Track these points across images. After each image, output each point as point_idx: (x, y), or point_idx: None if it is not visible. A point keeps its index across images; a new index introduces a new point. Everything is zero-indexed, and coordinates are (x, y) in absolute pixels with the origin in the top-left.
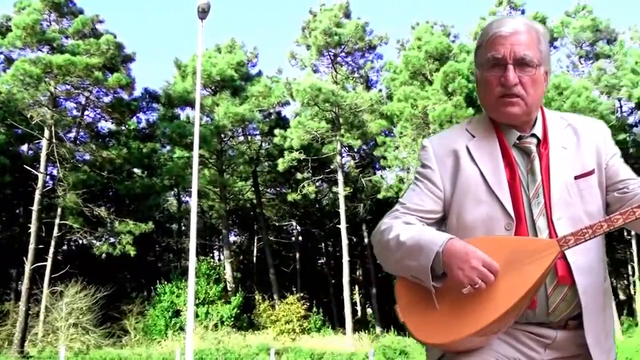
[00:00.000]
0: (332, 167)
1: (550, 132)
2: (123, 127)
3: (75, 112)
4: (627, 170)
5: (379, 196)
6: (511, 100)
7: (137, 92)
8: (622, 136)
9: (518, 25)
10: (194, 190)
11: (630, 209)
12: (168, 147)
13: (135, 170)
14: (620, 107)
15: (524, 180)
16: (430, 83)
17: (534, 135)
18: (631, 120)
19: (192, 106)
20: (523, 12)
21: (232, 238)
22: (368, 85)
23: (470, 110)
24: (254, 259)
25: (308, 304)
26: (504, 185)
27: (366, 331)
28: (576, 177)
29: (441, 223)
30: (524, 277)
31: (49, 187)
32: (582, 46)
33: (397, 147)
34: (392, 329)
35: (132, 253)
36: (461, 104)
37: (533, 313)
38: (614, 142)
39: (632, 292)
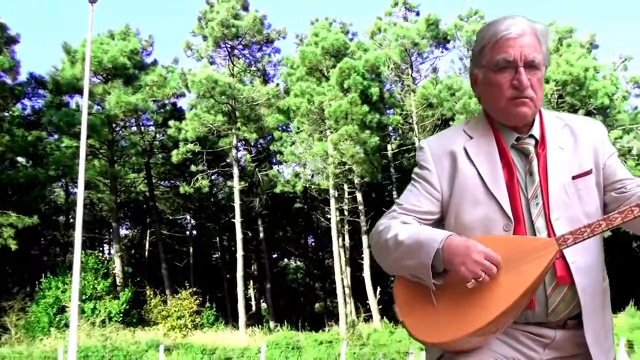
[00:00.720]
0: (227, 160)
1: (548, 133)
2: (6, 113)
3: None
4: (624, 170)
5: (276, 191)
6: (523, 101)
7: (22, 77)
8: None
9: (524, 27)
10: (81, 181)
11: (628, 207)
12: (55, 136)
13: (19, 159)
14: None
15: (522, 181)
16: (327, 79)
17: (531, 136)
18: None
19: (82, 94)
20: (418, 13)
21: (123, 232)
22: (265, 79)
23: (365, 108)
24: (146, 253)
25: (201, 299)
26: (502, 186)
27: (260, 326)
28: (574, 177)
29: (439, 224)
30: (523, 276)
31: None
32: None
33: (293, 143)
34: (285, 323)
35: (14, 247)
36: (356, 101)
37: (532, 313)
38: (611, 142)
39: None
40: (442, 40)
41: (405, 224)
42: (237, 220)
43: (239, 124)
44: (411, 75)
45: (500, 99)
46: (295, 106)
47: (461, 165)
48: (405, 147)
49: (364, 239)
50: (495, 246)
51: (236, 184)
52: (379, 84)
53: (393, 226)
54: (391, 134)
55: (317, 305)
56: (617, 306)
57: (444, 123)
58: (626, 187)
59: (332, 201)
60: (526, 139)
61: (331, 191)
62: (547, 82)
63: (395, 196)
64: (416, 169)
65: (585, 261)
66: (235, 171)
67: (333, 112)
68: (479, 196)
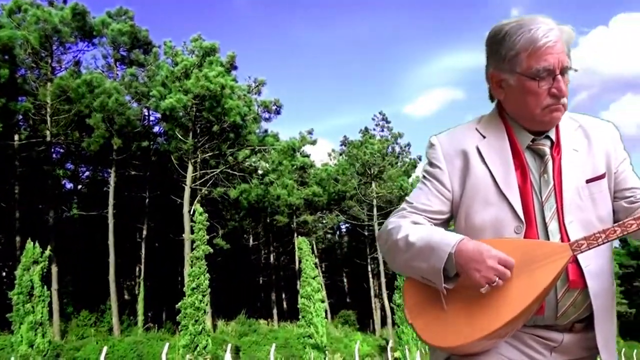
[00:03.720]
0: None
1: (563, 134)
2: None
3: None
4: (635, 178)
5: None
6: (558, 107)
7: None
8: (145, 143)
9: (557, 33)
10: None
11: None
12: None
13: None
14: (148, 115)
15: (535, 183)
16: None
17: (547, 137)
18: (156, 129)
19: None
20: (65, 1)
21: None
22: None
23: None
24: None
25: None
26: (514, 188)
27: None
28: (587, 181)
29: (448, 223)
30: (535, 280)
31: None
32: (119, 50)
33: None
34: None
35: None
36: None
37: (541, 318)
38: (623, 146)
39: None
40: (88, 34)
41: (416, 224)
42: None
43: None
44: (50, 65)
45: (536, 107)
46: None
47: (473, 164)
48: (34, 140)
49: None
50: (508, 249)
51: None
52: (11, 67)
53: (404, 226)
54: (21, 123)
55: None
56: None
57: (81, 120)
58: (636, 197)
59: None
60: (542, 139)
61: None
62: (187, 93)
63: (17, 191)
64: (427, 167)
65: (598, 265)
66: None
67: None
68: (491, 197)
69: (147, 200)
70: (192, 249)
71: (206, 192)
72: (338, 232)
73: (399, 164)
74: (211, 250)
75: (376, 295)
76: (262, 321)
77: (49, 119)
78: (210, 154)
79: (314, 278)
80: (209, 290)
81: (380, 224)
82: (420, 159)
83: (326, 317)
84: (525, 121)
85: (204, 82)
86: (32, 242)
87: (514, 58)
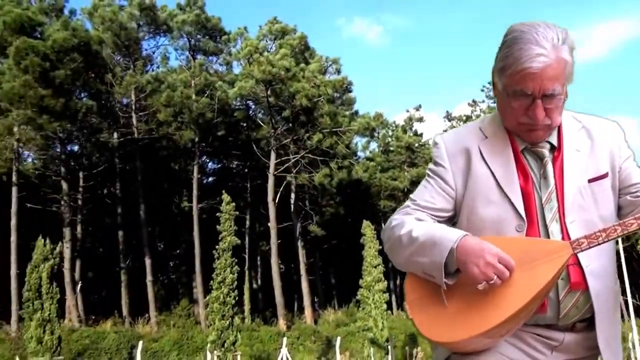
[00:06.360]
0: None
1: (565, 136)
2: None
3: None
4: None
5: None
6: (534, 128)
7: None
8: (221, 133)
9: (550, 57)
10: None
11: None
12: None
13: None
14: (227, 104)
15: (536, 183)
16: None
17: (547, 141)
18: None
19: None
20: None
21: None
22: None
23: (42, 91)
24: None
25: None
26: (516, 187)
27: None
28: (590, 181)
29: (451, 221)
30: (536, 278)
31: None
32: (190, 40)
33: None
34: None
35: None
36: (31, 83)
37: (543, 317)
38: (627, 145)
39: None
40: (158, 27)
41: (419, 220)
42: None
43: None
44: (132, 62)
45: (513, 120)
46: None
47: (475, 164)
48: (149, 137)
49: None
50: (509, 247)
51: None
52: (91, 67)
53: (407, 222)
54: (110, 122)
55: None
56: None
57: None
58: None
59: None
60: (540, 143)
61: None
62: (254, 79)
63: (119, 188)
64: (431, 165)
65: (600, 265)
66: None
67: (5, 93)
68: (492, 196)
69: (248, 189)
70: (219, 240)
71: (290, 179)
72: None
73: None
74: (239, 242)
75: None
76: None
77: (134, 115)
78: (289, 139)
79: (375, 267)
80: (235, 284)
81: None
82: None
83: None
84: (510, 129)
85: (267, 67)
86: (42, 239)
87: (502, 69)
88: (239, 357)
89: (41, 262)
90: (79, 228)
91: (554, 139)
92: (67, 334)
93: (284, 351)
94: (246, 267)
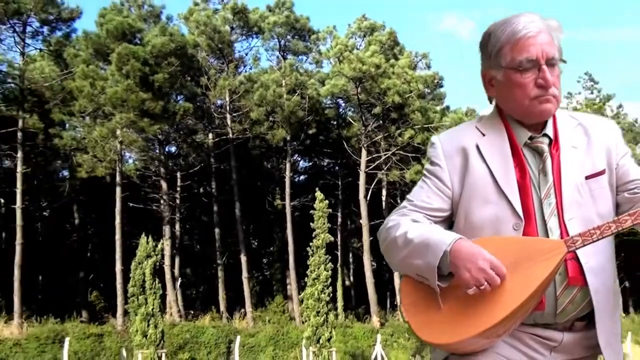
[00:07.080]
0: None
1: (561, 132)
2: None
3: None
4: (638, 170)
5: (80, 175)
6: (547, 98)
7: None
8: (312, 131)
9: (540, 25)
10: None
11: (639, 210)
12: None
13: None
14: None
15: (535, 180)
16: (110, 63)
17: (545, 135)
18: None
19: None
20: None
21: None
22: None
23: (143, 95)
24: None
25: None
26: (513, 185)
27: None
28: (587, 177)
29: (449, 221)
30: (531, 277)
31: None
32: (280, 41)
33: (75, 127)
34: None
35: None
36: (133, 87)
37: (540, 314)
38: (624, 142)
39: None
40: (250, 29)
41: (415, 222)
42: (18, 207)
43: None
44: (227, 63)
45: (524, 98)
46: (78, 89)
47: (473, 162)
48: (240, 137)
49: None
50: (505, 247)
51: (19, 168)
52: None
53: (403, 224)
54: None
55: None
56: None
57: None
58: (639, 188)
59: (119, 190)
60: (539, 137)
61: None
62: (344, 77)
63: (215, 186)
64: (427, 165)
65: (598, 262)
66: (20, 155)
67: (109, 98)
68: (490, 194)
69: (339, 187)
70: (313, 238)
71: (382, 176)
72: None
73: None
74: (332, 239)
75: None
76: None
77: (228, 115)
78: (380, 136)
79: None
80: (329, 280)
81: None
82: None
83: None
84: (518, 114)
85: (357, 64)
86: (145, 237)
87: (499, 53)
88: (334, 353)
89: (144, 258)
90: (177, 226)
91: (550, 131)
92: (168, 328)
93: (378, 348)
94: (339, 264)
